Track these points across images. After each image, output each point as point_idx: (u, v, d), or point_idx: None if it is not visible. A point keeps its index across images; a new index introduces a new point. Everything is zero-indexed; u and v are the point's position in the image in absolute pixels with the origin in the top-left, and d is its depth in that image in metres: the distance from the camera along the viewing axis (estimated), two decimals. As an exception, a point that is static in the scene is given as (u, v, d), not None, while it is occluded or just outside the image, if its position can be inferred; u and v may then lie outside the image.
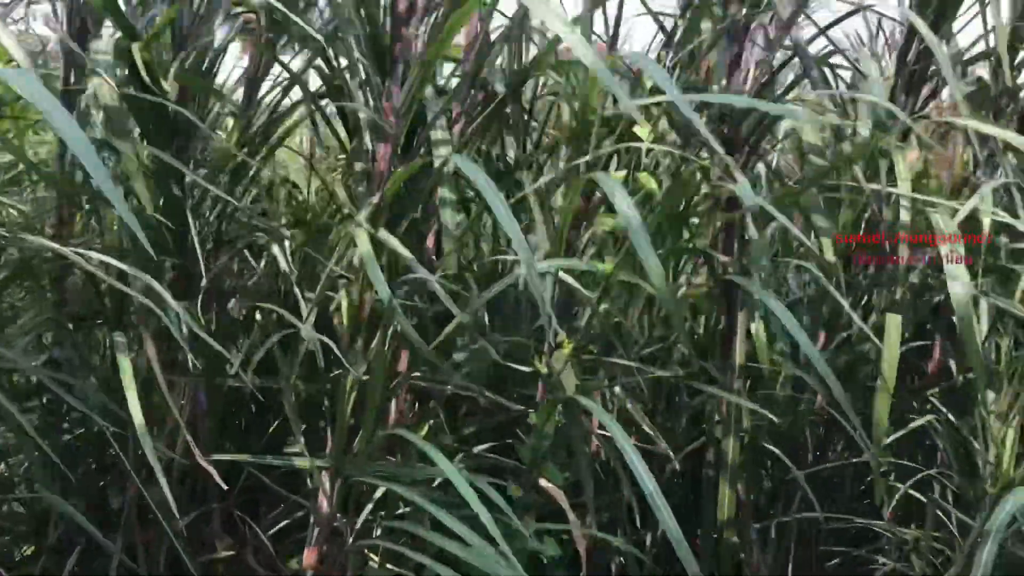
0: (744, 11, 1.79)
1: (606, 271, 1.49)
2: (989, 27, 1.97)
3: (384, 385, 1.58)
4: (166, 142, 1.67)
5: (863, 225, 1.97)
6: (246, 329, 1.94)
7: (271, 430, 2.04)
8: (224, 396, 1.87)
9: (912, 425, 1.84)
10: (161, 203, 1.67)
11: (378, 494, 1.72)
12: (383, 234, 1.53)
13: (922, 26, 1.70)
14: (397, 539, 1.70)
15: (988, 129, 1.70)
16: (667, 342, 2.08)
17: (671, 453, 1.94)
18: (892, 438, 1.82)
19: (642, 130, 1.54)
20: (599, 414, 1.50)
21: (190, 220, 1.65)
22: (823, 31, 1.81)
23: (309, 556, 1.69)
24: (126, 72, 1.56)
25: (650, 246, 1.32)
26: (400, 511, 1.75)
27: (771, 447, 2.04)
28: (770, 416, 1.83)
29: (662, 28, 1.83)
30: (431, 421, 1.84)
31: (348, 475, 1.57)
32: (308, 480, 1.69)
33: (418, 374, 1.73)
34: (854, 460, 2.02)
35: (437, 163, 1.64)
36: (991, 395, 1.72)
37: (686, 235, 2.05)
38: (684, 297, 2.04)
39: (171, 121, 1.66)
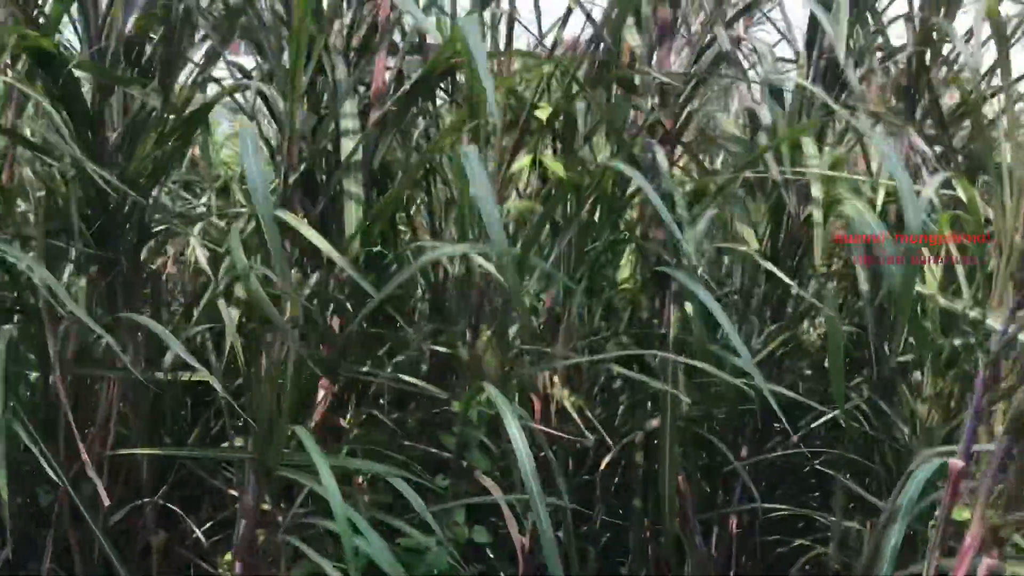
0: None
1: (504, 253, 1.49)
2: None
3: (298, 377, 1.59)
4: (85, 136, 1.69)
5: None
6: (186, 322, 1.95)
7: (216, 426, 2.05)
8: (166, 392, 1.88)
9: (827, 416, 1.84)
10: (82, 196, 1.68)
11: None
12: (286, 215, 1.54)
13: (822, 16, 1.72)
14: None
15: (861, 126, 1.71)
16: (610, 332, 2.09)
17: (611, 442, 1.95)
18: (816, 423, 1.83)
19: (542, 112, 1.55)
20: (498, 401, 1.50)
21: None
22: (734, 19, 1.82)
23: (237, 549, 1.69)
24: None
25: (499, 220, 1.33)
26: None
27: (710, 437, 2.05)
28: (702, 404, 1.83)
29: (590, 18, 1.84)
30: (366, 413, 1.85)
31: (269, 468, 1.57)
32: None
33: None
34: (790, 451, 2.02)
35: (345, 152, 1.66)
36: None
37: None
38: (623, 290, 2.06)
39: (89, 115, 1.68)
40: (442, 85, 1.96)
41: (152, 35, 1.83)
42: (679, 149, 1.93)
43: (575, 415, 1.87)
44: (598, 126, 1.90)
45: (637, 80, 1.84)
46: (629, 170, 1.53)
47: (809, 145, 1.69)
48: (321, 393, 1.79)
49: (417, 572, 1.66)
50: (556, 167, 1.61)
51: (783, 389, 1.74)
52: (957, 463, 1.29)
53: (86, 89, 1.77)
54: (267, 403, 1.52)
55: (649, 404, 2.05)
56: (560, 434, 1.75)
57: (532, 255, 1.75)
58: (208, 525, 1.88)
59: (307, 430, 1.57)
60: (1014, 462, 1.26)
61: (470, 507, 1.76)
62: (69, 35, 1.91)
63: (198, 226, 1.99)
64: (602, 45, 1.77)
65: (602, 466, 2.02)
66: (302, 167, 1.70)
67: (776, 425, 2.12)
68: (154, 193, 1.97)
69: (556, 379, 1.93)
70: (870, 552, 1.39)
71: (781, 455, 2.05)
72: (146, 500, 1.81)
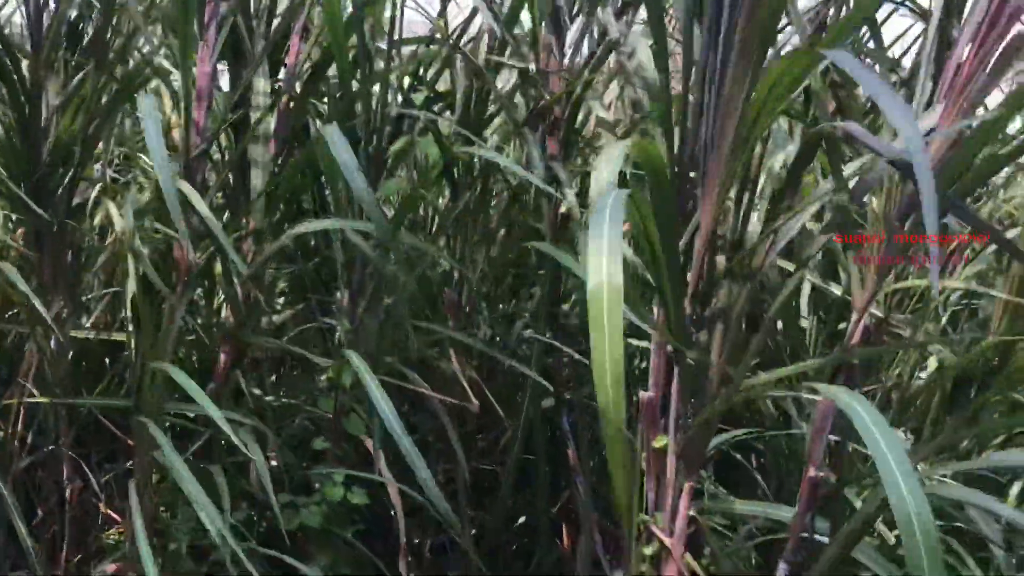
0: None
1: (382, 231, 1.59)
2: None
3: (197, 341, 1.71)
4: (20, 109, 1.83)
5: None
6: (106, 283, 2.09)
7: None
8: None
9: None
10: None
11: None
12: (183, 185, 1.66)
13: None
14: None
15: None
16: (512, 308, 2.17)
17: (504, 418, 2.04)
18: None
19: (417, 97, 1.64)
20: (358, 366, 1.59)
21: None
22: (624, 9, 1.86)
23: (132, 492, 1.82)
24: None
25: (365, 192, 1.42)
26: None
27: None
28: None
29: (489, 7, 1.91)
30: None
31: (144, 416, 1.69)
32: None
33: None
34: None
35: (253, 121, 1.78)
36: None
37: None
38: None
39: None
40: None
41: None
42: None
43: (467, 388, 1.96)
44: (498, 112, 1.98)
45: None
46: (491, 154, 1.61)
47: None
48: (223, 357, 1.91)
49: (291, 527, 1.76)
50: (430, 147, 1.69)
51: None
52: (648, 394, 1.35)
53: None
54: (145, 354, 1.63)
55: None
56: (441, 396, 1.83)
57: (425, 237, 1.83)
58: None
59: (207, 392, 1.69)
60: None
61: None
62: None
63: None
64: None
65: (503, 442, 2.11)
66: (205, 143, 1.82)
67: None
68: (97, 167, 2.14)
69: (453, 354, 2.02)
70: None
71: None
72: (51, 448, 1.94)
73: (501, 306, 2.25)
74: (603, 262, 1.06)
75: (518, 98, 2.00)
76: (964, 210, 1.36)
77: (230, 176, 1.89)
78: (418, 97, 1.78)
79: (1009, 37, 1.26)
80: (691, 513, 1.34)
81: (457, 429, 1.93)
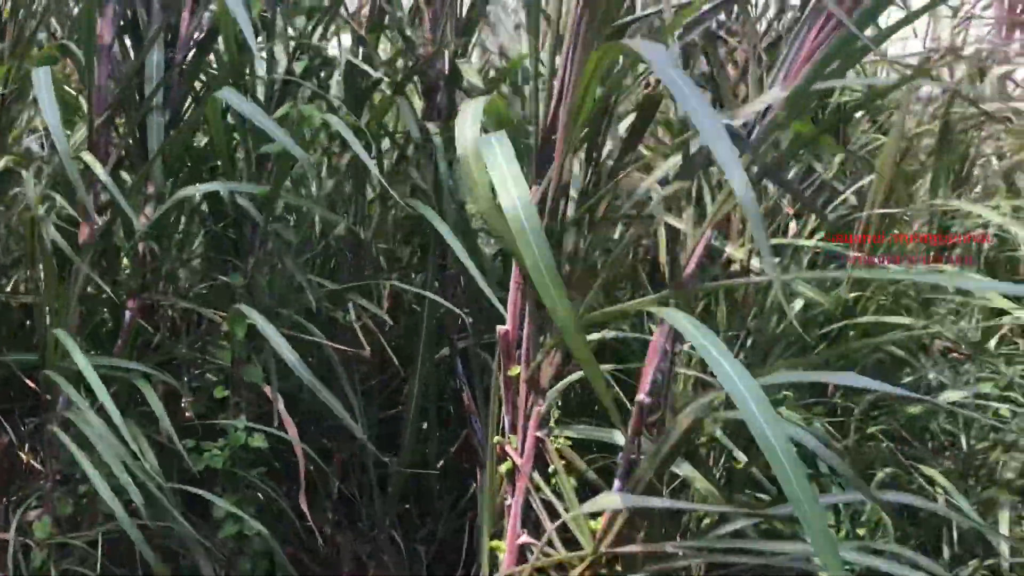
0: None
1: (260, 193, 1.71)
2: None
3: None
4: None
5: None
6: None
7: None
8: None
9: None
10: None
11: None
12: (85, 154, 1.78)
13: None
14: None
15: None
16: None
17: (399, 366, 2.20)
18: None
19: (299, 66, 1.78)
20: (253, 316, 1.74)
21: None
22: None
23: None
24: None
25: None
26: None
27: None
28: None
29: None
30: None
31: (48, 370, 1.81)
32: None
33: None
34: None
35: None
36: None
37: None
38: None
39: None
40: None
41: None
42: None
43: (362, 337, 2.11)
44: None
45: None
46: (334, 119, 1.75)
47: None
48: (128, 315, 2.04)
49: (197, 468, 1.91)
50: (311, 113, 1.82)
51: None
52: (504, 328, 1.51)
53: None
54: (41, 314, 1.76)
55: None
56: (336, 345, 1.98)
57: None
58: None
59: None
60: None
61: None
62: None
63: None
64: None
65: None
66: (106, 112, 1.94)
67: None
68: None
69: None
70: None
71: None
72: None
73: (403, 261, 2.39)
74: (508, 184, 1.19)
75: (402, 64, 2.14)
76: (776, 175, 1.53)
77: (131, 144, 2.00)
78: (299, 65, 1.91)
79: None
80: (538, 435, 1.50)
81: (357, 381, 2.09)
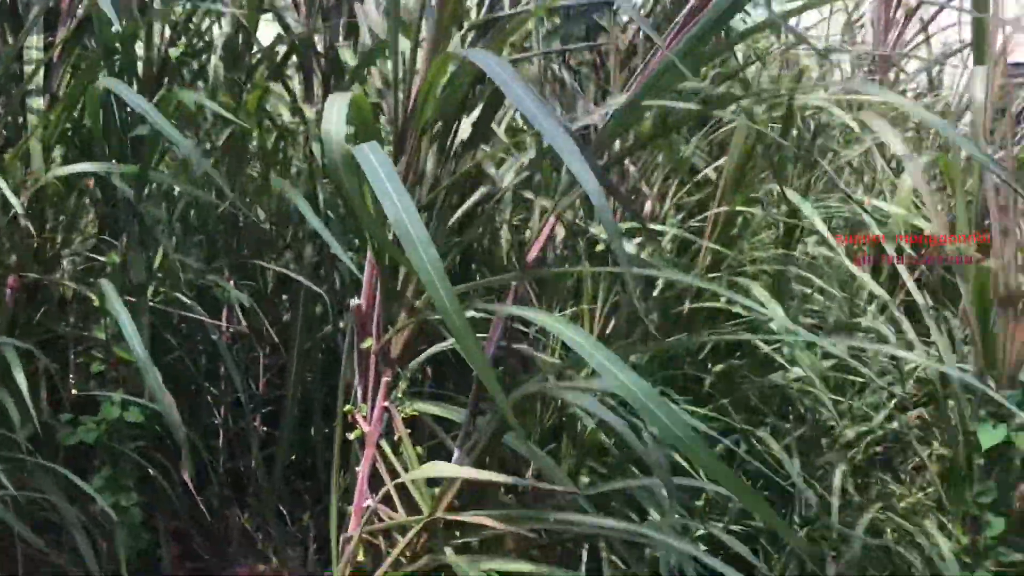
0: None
1: (129, 171, 1.77)
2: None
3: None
4: None
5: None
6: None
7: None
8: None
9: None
10: None
11: None
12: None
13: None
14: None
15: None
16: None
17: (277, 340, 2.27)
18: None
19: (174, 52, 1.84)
20: (109, 294, 1.79)
21: None
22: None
23: None
24: None
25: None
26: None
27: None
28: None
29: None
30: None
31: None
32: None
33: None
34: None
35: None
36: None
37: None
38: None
39: None
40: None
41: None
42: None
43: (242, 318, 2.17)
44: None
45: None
46: (208, 102, 1.82)
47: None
48: (8, 292, 2.08)
49: (69, 442, 1.96)
50: (187, 98, 1.87)
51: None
52: (357, 302, 1.59)
53: None
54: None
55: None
56: (213, 321, 2.05)
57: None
58: None
59: None
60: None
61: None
62: None
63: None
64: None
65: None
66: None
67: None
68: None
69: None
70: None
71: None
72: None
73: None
74: (394, 199, 1.17)
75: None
76: (604, 178, 1.64)
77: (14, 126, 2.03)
78: (175, 52, 1.96)
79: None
80: (386, 404, 1.59)
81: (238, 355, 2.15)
